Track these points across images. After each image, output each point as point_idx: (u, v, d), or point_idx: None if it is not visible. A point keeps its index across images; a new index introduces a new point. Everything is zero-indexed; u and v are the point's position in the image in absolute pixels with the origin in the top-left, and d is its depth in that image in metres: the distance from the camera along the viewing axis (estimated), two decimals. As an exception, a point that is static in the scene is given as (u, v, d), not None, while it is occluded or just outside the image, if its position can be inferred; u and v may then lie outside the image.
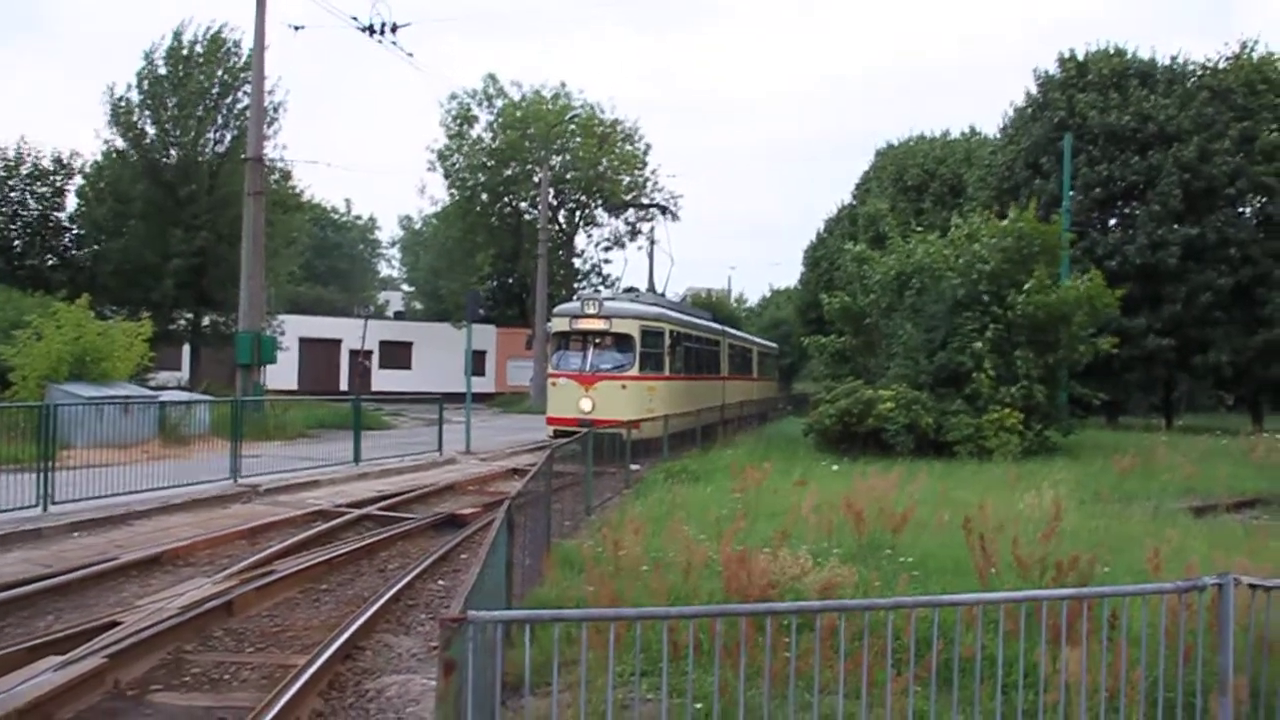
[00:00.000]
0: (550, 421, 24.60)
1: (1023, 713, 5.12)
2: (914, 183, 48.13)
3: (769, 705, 4.95)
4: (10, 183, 35.72)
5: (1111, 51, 36.42)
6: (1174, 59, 36.20)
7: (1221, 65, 35.95)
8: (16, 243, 35.99)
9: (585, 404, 23.44)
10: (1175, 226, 32.73)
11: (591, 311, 24.42)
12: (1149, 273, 32.71)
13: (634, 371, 24.05)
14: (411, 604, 9.78)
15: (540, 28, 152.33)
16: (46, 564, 10.62)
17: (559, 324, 25.12)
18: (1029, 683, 5.45)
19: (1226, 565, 6.30)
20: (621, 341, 24.33)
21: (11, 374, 22.02)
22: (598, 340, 24.47)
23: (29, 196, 36.18)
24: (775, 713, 5.21)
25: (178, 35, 36.99)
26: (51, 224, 36.71)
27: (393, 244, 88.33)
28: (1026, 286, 22.02)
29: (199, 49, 36.99)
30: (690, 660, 4.84)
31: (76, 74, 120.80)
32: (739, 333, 42.85)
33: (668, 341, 25.44)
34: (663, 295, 32.64)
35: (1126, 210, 35.21)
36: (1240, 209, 34.95)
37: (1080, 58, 36.71)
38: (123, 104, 36.44)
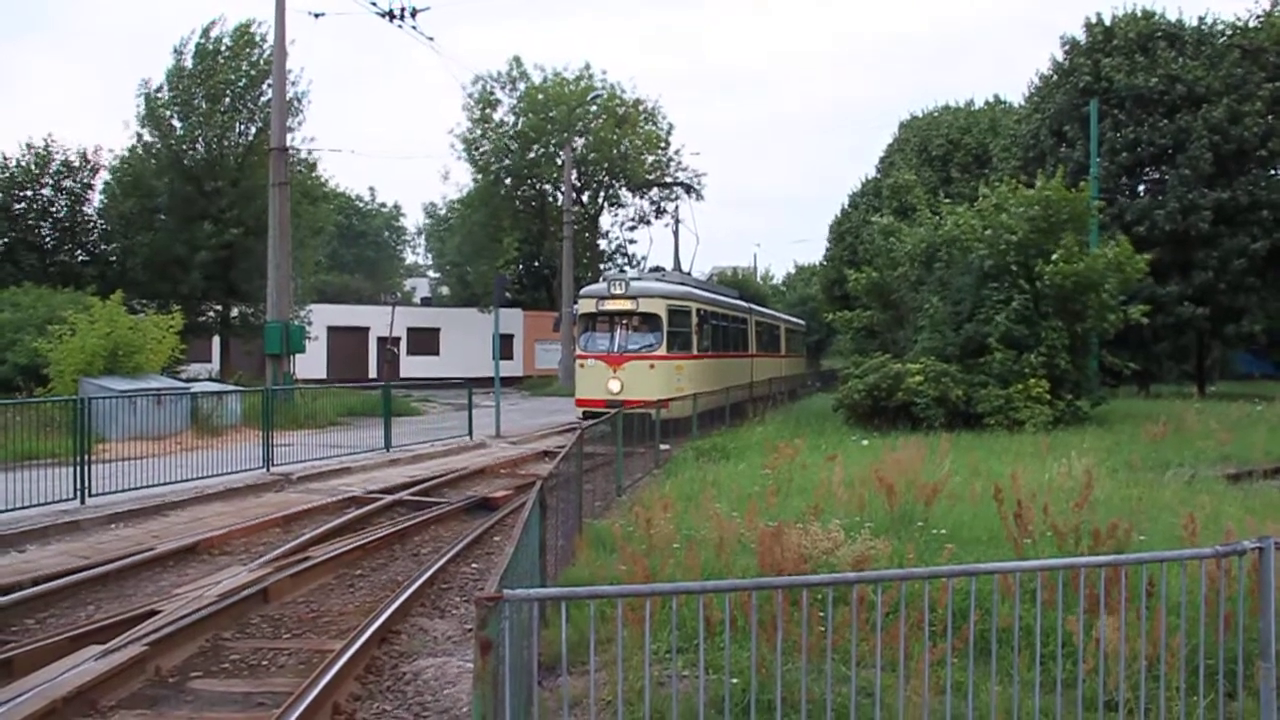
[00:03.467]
0: (579, 403, 24.64)
1: (1061, 682, 5.09)
2: (938, 153, 47.71)
3: (806, 679, 4.94)
4: (40, 180, 35.96)
5: (1139, 14, 35.87)
6: (1202, 19, 35.64)
7: (1252, 24, 35.35)
8: (47, 239, 36.27)
9: (614, 385, 23.45)
10: (1205, 190, 32.22)
11: (618, 292, 24.37)
12: (1179, 238, 32.26)
13: (662, 351, 23.98)
14: (446, 587, 9.84)
15: (560, 8, 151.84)
16: (85, 555, 10.75)
17: (586, 305, 25.09)
18: (1067, 652, 5.42)
19: (1264, 531, 6.23)
20: (649, 321, 24.24)
21: (47, 369, 22.25)
22: (625, 321, 24.41)
23: (58, 193, 36.42)
24: (812, 687, 5.21)
25: (206, 31, 37.16)
26: (80, 220, 36.93)
27: (419, 233, 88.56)
28: (1055, 256, 21.80)
29: (226, 42, 37.12)
30: (726, 636, 4.82)
31: (91, 71, 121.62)
32: (766, 310, 42.67)
33: (695, 320, 25.33)
34: (689, 274, 32.51)
35: (1155, 175, 34.72)
36: (1272, 170, 34.35)
37: (1107, 22, 36.19)
38: (156, 99, 36.66)
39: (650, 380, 23.31)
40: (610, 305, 24.47)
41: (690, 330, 25.10)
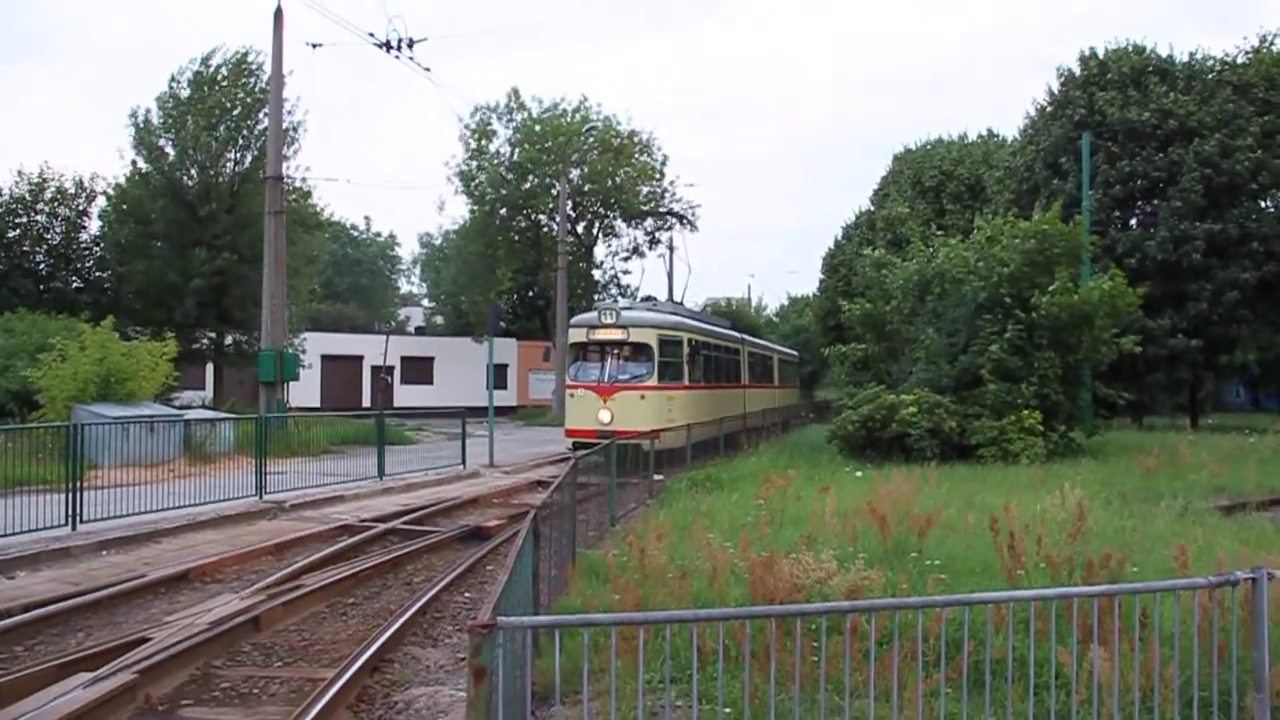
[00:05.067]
0: (569, 433, 24.36)
1: (1055, 714, 5.08)
2: (931, 184, 47.96)
3: (799, 710, 4.93)
4: (36, 206, 36.02)
5: (1131, 49, 36.23)
6: (1193, 55, 36.01)
7: (1241, 60, 35.70)
8: (42, 266, 36.28)
9: (604, 415, 23.24)
10: (1197, 222, 32.44)
11: (609, 321, 24.19)
12: (1171, 270, 32.43)
13: (653, 381, 23.77)
14: (438, 616, 9.80)
15: (554, 40, 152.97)
16: (76, 582, 10.70)
17: (576, 335, 24.91)
18: (1061, 683, 5.41)
19: (1256, 562, 6.24)
20: (640, 351, 24.08)
21: (39, 396, 22.20)
22: (616, 350, 24.25)
23: (53, 220, 36.47)
24: (805, 717, 5.19)
25: (205, 60, 37.30)
26: (75, 246, 36.97)
27: (415, 263, 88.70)
28: (1051, 289, 21.88)
29: (223, 71, 37.26)
30: (719, 665, 4.82)
31: (92, 98, 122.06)
32: (759, 340, 42.54)
33: (686, 350, 25.17)
34: (680, 304, 32.39)
35: (1148, 208, 34.98)
36: (1263, 203, 34.60)
37: (1100, 56, 36.52)
38: (144, 125, 36.75)
39: (641, 411, 23.11)
40: (601, 335, 24.25)
41: (682, 360, 24.88)
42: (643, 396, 23.57)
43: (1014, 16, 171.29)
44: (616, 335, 24.10)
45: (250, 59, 37.65)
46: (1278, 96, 34.22)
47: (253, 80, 37.54)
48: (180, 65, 37.87)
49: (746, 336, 37.14)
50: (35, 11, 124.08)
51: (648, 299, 31.60)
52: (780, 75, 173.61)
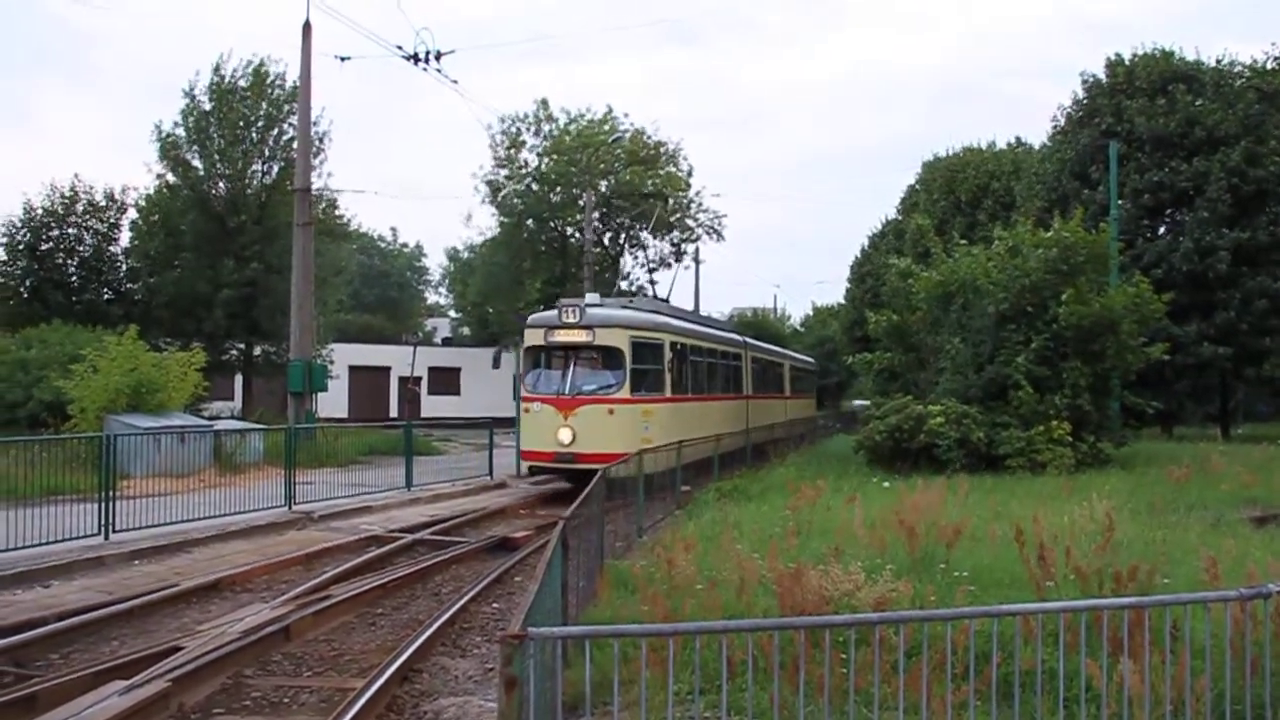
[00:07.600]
0: (525, 456, 21.52)
1: (1085, 726, 5.06)
2: (967, 197, 47.55)
3: (828, 721, 4.93)
4: (67, 219, 36.40)
5: (1158, 54, 35.95)
6: (1219, 61, 35.75)
7: (1269, 66, 35.36)
8: (73, 278, 36.64)
9: (564, 434, 19.81)
10: (1224, 231, 32.14)
11: (571, 320, 20.47)
12: (1198, 279, 32.11)
13: (623, 393, 20.21)
14: (467, 627, 9.86)
15: (580, 51, 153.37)
16: (109, 591, 10.81)
17: (532, 336, 21.28)
18: (1091, 696, 5.39)
19: (1290, 574, 6.20)
20: (609, 356, 20.59)
21: (71, 407, 22.43)
22: (579, 356, 20.81)
23: (84, 232, 36.84)
24: (834, 729, 5.19)
25: (217, 69, 37.46)
26: (106, 258, 37.31)
27: (444, 277, 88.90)
28: (1065, 296, 21.75)
29: (242, 82, 37.47)
30: (748, 677, 4.83)
31: (125, 110, 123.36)
32: (767, 345, 38.59)
33: (668, 355, 21.64)
34: (665, 300, 29.15)
35: (1177, 217, 34.66)
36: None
37: (1127, 62, 36.24)
38: (169, 138, 37.05)
39: (609, 429, 19.68)
40: (561, 336, 20.62)
41: (662, 367, 21.36)
42: (611, 411, 20.02)
43: (1025, 18, 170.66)
44: (580, 337, 20.50)
45: (270, 69, 37.81)
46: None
47: (275, 91, 37.74)
48: (190, 79, 37.95)
49: (749, 340, 33.48)
50: (52, 20, 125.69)
51: (625, 293, 28.35)
52: (796, 85, 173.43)
